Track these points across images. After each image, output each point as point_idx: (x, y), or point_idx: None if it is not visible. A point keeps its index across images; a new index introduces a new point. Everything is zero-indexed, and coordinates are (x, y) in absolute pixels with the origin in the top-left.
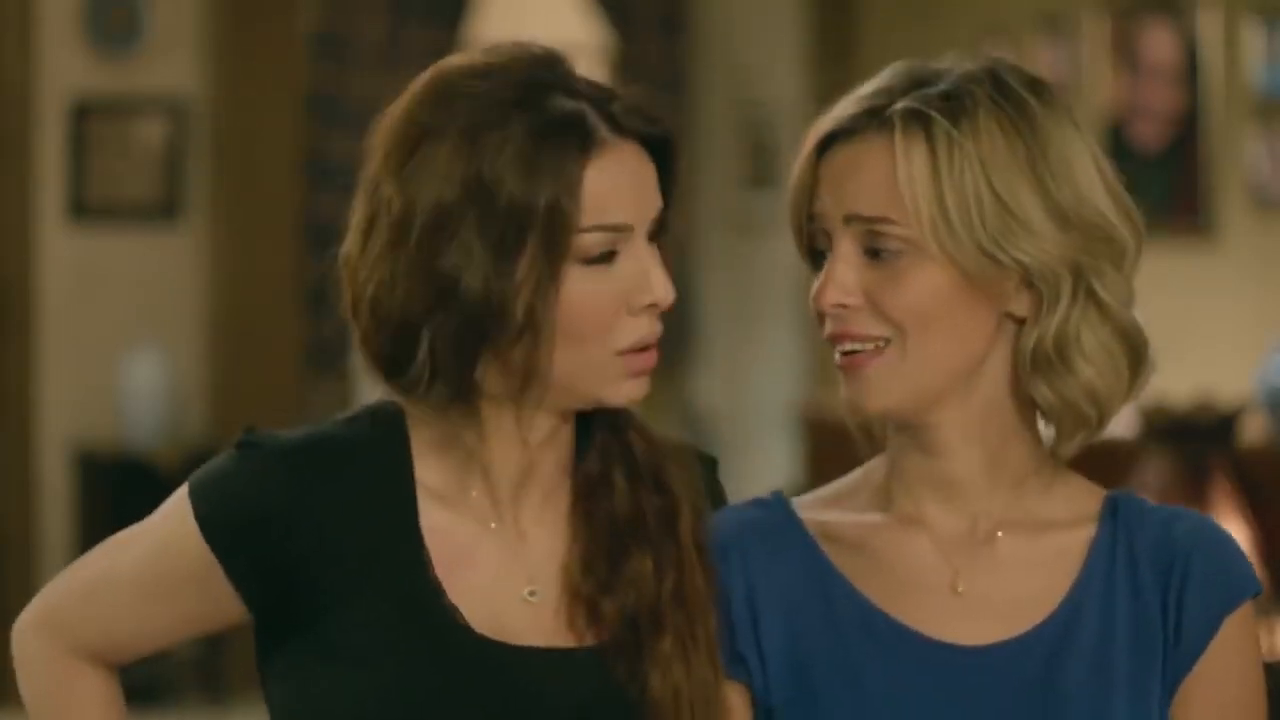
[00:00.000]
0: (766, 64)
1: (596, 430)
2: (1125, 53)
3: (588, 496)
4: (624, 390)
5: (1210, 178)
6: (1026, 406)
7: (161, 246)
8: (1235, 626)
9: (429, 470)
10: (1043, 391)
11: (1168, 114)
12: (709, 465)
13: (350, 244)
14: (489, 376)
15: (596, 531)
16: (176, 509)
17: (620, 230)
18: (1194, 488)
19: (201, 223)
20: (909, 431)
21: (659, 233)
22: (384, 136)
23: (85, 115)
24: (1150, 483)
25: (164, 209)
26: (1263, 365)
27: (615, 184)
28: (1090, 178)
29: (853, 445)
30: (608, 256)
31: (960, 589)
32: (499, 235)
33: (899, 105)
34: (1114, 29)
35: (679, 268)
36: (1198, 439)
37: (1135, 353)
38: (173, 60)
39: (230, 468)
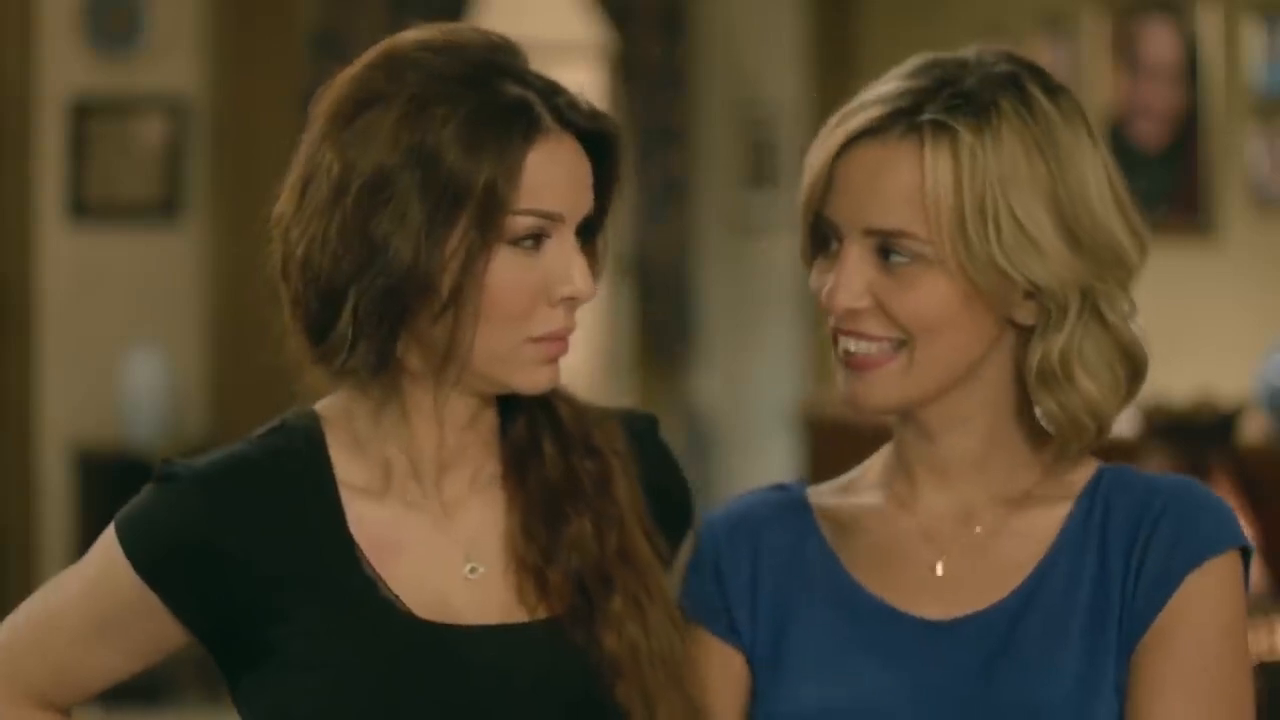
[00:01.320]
0: (766, 64)
1: (522, 399)
2: (1125, 52)
3: (518, 466)
4: (537, 378)
5: (1210, 177)
6: (1025, 399)
7: (161, 246)
8: (1201, 584)
9: (349, 467)
10: (1048, 405)
11: (1168, 113)
12: (647, 424)
13: (284, 203)
14: (410, 353)
15: (531, 499)
16: (106, 549)
17: (552, 218)
18: None
19: (201, 222)
20: (907, 415)
21: (594, 232)
22: (329, 101)
23: (85, 115)
24: None
25: (164, 208)
26: (1263, 364)
27: (552, 173)
28: (1104, 197)
29: (852, 444)
30: (535, 241)
31: (939, 569)
32: (434, 206)
33: (927, 115)
34: (1114, 28)
35: (679, 268)
36: (1198, 438)
37: (1135, 367)
38: (173, 60)
39: (151, 501)
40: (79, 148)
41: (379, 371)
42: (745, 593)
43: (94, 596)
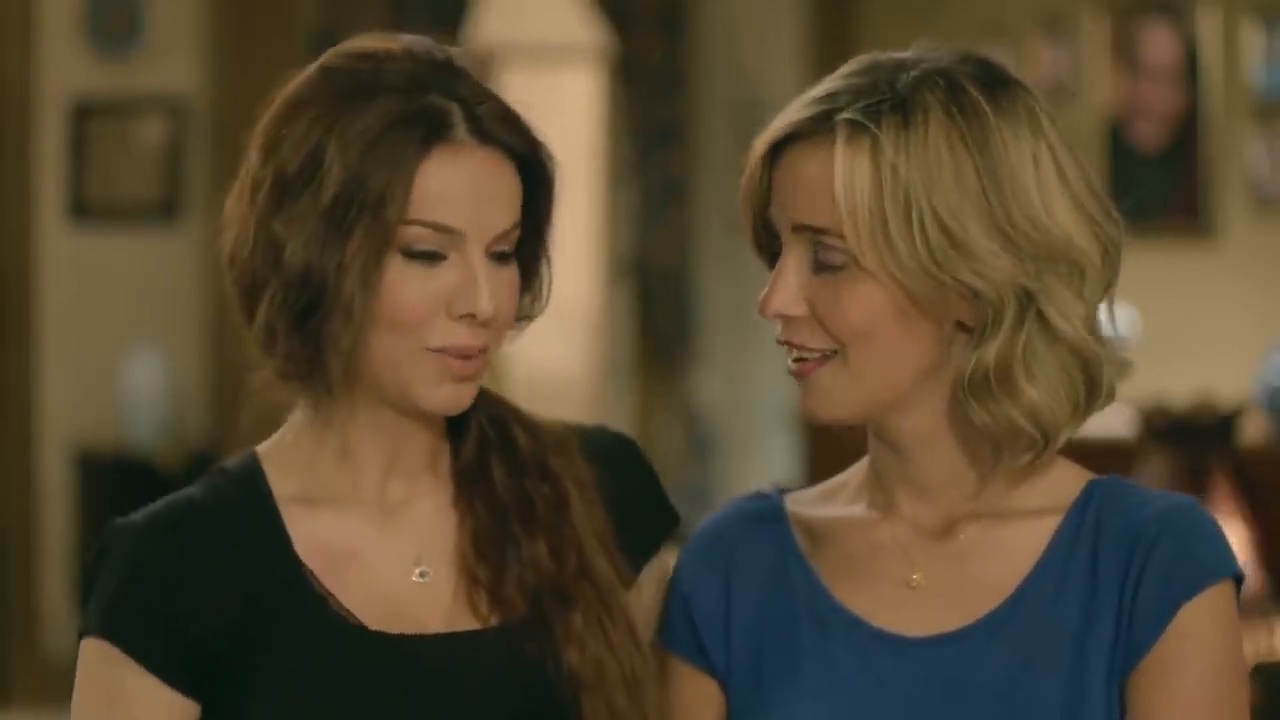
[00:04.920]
0: (766, 64)
1: (472, 421)
2: (1125, 53)
3: (467, 486)
4: (439, 395)
5: (1210, 178)
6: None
7: (161, 246)
8: (1196, 615)
9: (289, 482)
10: (979, 415)
11: (1167, 114)
12: (615, 442)
13: (226, 205)
14: (334, 359)
15: (480, 521)
16: (81, 652)
17: (447, 232)
18: (1193, 488)
19: (201, 223)
20: (875, 430)
21: (530, 254)
22: (272, 103)
23: (85, 115)
24: (1150, 483)
25: (164, 209)
26: (1262, 365)
27: (452, 186)
28: (1051, 194)
29: (852, 444)
30: (432, 257)
31: (915, 582)
32: (328, 211)
33: (845, 114)
34: (1114, 29)
35: (679, 269)
36: (1197, 439)
37: (1089, 373)
38: (173, 60)
39: (101, 570)
40: (79, 148)
41: (308, 376)
42: (717, 618)
43: (90, 699)
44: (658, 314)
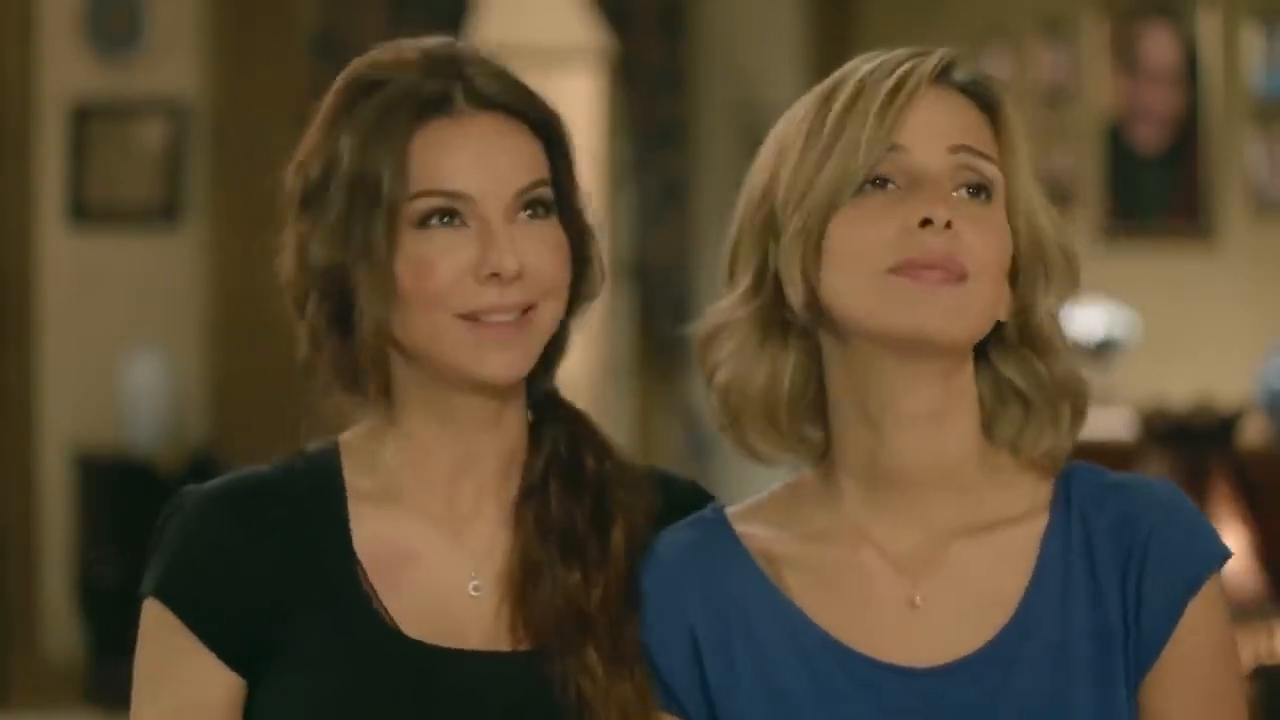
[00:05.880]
0: (766, 64)
1: (546, 440)
2: (1125, 55)
3: (526, 502)
4: (490, 363)
5: (1210, 180)
6: (976, 406)
7: (162, 248)
8: (1200, 607)
9: (363, 476)
10: (1053, 369)
11: (1167, 116)
12: (692, 496)
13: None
14: (360, 354)
15: (529, 538)
16: (144, 612)
17: (457, 197)
18: (1193, 490)
19: (202, 224)
20: (879, 408)
21: (564, 212)
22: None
23: (85, 117)
24: None
25: (164, 211)
26: (1262, 367)
27: (452, 152)
28: None
29: None
30: (447, 220)
31: (917, 602)
32: (343, 207)
33: (991, 76)
34: (1114, 31)
35: (679, 269)
36: (1197, 441)
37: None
38: (173, 61)
39: (166, 532)
40: (79, 150)
41: (353, 381)
42: (684, 671)
43: (147, 658)
44: (658, 315)
